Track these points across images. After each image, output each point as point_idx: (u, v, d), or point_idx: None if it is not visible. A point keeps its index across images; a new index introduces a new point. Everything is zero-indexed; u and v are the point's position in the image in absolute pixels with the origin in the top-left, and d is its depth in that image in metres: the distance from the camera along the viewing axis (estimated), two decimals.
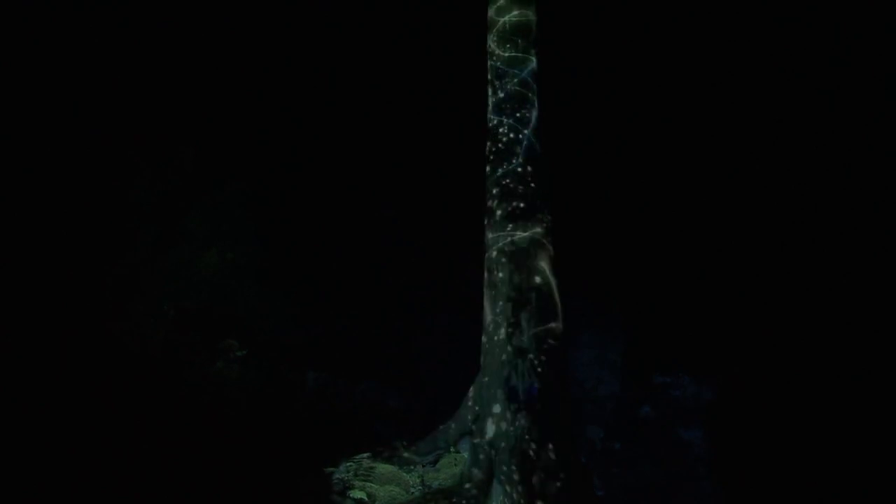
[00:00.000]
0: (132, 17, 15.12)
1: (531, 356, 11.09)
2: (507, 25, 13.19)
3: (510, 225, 12.06)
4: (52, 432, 10.29)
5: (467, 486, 10.30)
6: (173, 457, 10.70)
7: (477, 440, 10.81)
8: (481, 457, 10.55)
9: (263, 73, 16.50)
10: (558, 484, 10.08)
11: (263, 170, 15.96)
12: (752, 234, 15.96)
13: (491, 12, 13.50)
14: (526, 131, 12.66)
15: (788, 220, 15.79)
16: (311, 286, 15.61)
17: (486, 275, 12.23)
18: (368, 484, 10.26)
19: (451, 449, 11.06)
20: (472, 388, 11.56)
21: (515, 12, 13.22)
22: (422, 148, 17.27)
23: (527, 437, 10.44)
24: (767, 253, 15.63)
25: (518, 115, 12.77)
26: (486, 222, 12.58)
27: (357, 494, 10.07)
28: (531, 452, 10.33)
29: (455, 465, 10.75)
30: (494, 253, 12.10)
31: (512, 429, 10.55)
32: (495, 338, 11.48)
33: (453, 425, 11.32)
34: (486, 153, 12.94)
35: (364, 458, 10.85)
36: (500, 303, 11.64)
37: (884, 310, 13.92)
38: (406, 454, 11.24)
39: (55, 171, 13.39)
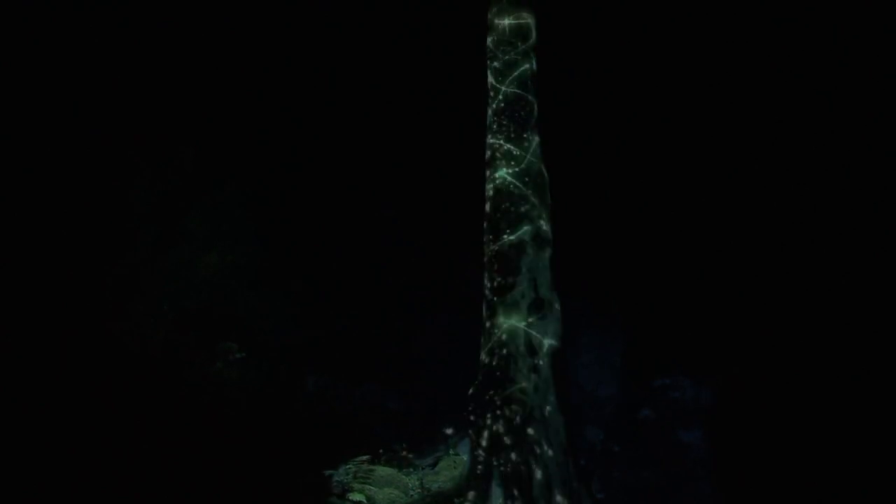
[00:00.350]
0: (132, 17, 15.09)
1: (531, 358, 11.11)
2: (507, 28, 13.20)
3: (509, 226, 12.07)
4: (53, 432, 10.32)
5: (466, 489, 10.33)
6: (173, 457, 10.73)
7: (476, 443, 10.83)
8: (481, 459, 10.58)
9: (263, 73, 16.48)
10: (558, 487, 10.11)
11: (263, 170, 15.95)
12: (752, 235, 15.94)
13: (490, 15, 13.52)
14: (525, 133, 12.67)
15: (788, 221, 15.76)
16: (311, 286, 15.61)
17: (485, 276, 12.24)
18: (367, 486, 10.28)
19: (451, 451, 11.07)
20: (471, 391, 11.58)
21: (514, 15, 13.23)
22: (422, 148, 17.25)
23: (526, 439, 10.46)
24: (767, 254, 15.61)
25: (517, 116, 12.78)
26: (484, 224, 12.59)
27: (356, 497, 10.09)
28: (531, 455, 10.35)
29: (454, 467, 10.77)
30: (494, 254, 12.11)
31: (511, 432, 10.57)
32: (495, 340, 11.49)
33: (453, 428, 11.34)
34: (485, 155, 12.96)
35: (363, 461, 10.87)
36: (500, 305, 11.65)
37: (884, 310, 13.91)
38: (405, 457, 11.27)
39: (55, 171, 13.39)
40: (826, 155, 15.70)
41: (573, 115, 16.27)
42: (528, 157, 12.53)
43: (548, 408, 10.82)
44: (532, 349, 11.19)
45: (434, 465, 11.06)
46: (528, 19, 13.31)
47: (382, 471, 10.62)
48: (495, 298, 11.76)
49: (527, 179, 12.38)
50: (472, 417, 11.14)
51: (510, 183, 12.36)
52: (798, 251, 15.35)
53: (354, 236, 16.68)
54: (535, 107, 12.95)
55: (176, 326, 13.60)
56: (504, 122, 12.78)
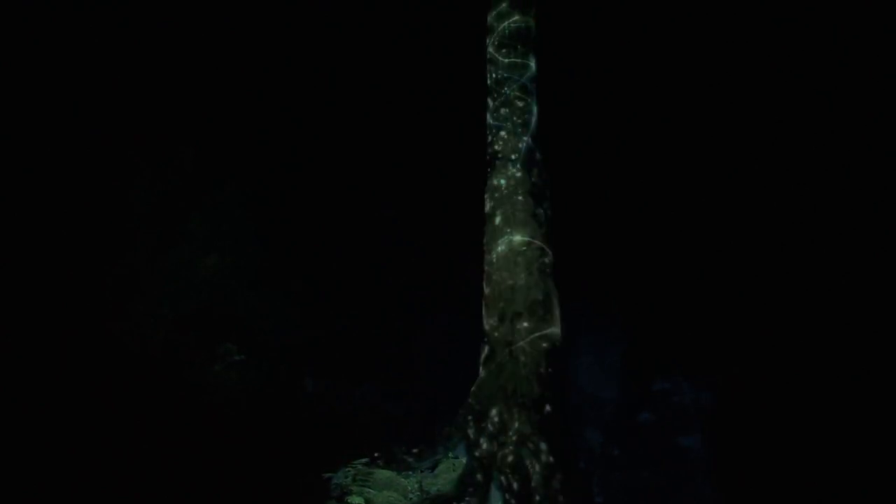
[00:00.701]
0: (132, 17, 15.08)
1: (530, 360, 11.11)
2: (507, 31, 13.19)
3: (509, 228, 12.07)
4: (53, 432, 10.35)
5: (466, 492, 10.34)
6: (173, 457, 10.76)
7: (475, 445, 10.83)
8: (480, 462, 10.59)
9: (263, 73, 16.45)
10: (557, 489, 10.12)
11: (263, 170, 15.93)
12: (751, 236, 15.92)
13: (490, 18, 13.50)
14: (525, 136, 12.68)
15: (787, 221, 15.75)
16: (311, 286, 15.60)
17: (485, 278, 12.24)
18: (366, 489, 10.27)
19: (450, 454, 11.06)
20: (471, 392, 11.59)
21: (515, 18, 13.22)
22: (422, 148, 17.21)
23: (526, 442, 10.47)
24: (766, 255, 15.60)
25: (517, 119, 12.78)
26: (485, 225, 12.59)
27: (355, 500, 10.08)
28: (530, 457, 10.36)
29: (453, 470, 10.74)
30: (494, 256, 12.11)
31: (511, 434, 10.58)
32: (494, 342, 11.50)
33: (452, 430, 11.35)
34: (486, 157, 12.96)
35: (362, 463, 10.87)
36: (500, 306, 11.65)
37: (884, 310, 13.90)
38: (404, 459, 11.27)
39: (55, 171, 13.40)
40: (826, 155, 15.68)
41: (574, 117, 16.25)
42: (528, 159, 12.54)
43: (547, 410, 10.83)
44: (532, 351, 11.19)
45: (433, 467, 11.02)
46: (528, 22, 13.29)
47: (381, 473, 10.61)
48: (495, 301, 11.77)
49: (526, 182, 12.39)
50: (471, 419, 11.16)
51: (510, 185, 12.36)
52: (798, 252, 15.34)
53: (354, 236, 16.65)
54: (536, 109, 12.96)
55: (176, 326, 13.61)
56: (504, 125, 12.79)
